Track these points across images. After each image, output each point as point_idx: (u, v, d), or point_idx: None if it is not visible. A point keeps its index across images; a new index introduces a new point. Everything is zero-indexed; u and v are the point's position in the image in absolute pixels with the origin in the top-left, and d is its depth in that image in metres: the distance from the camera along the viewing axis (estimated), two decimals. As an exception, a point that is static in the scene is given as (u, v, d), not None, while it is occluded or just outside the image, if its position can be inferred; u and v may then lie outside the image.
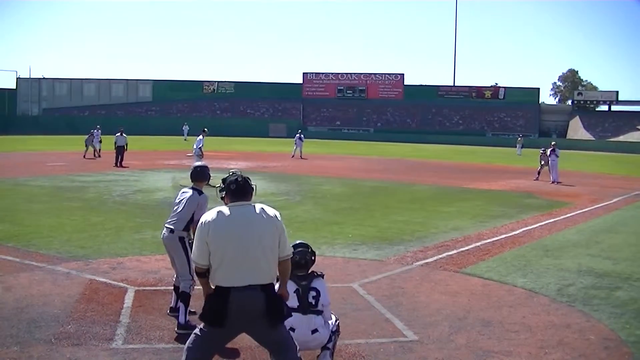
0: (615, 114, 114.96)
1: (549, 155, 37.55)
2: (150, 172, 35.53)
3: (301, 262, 8.19)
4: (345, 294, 11.52)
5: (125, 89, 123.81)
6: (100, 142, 47.62)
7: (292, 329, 7.60)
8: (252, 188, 6.77)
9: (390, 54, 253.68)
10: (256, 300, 6.30)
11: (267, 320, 6.36)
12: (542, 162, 38.28)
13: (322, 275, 8.32)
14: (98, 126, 43.52)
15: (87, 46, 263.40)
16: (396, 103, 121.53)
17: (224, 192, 6.73)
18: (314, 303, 8.02)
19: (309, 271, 8.30)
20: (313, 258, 8.43)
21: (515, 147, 73.81)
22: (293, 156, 53.35)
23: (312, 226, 18.75)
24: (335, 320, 8.31)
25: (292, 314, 7.50)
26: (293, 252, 7.85)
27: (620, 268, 14.39)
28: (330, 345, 8.11)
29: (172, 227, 9.69)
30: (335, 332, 8.19)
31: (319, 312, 8.05)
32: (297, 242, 8.41)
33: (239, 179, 6.69)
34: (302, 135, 56.22)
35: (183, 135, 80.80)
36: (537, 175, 37.80)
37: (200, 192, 9.81)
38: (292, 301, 7.80)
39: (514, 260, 14.87)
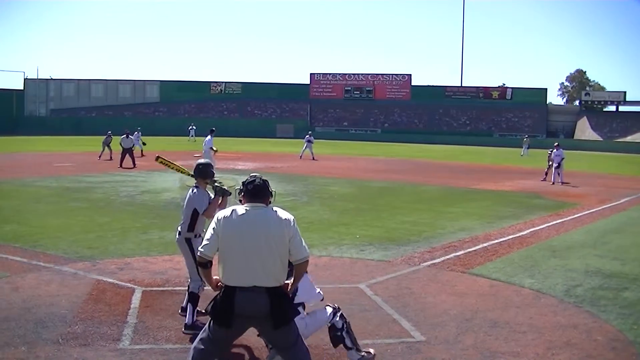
0: (623, 114, 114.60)
1: (554, 155, 37.23)
2: (157, 173, 35.54)
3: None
4: (353, 294, 11.53)
5: (133, 89, 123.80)
6: (144, 144, 48.96)
7: None
8: (270, 192, 6.85)
9: (397, 54, 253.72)
10: (260, 303, 6.34)
11: (271, 323, 6.39)
12: (550, 163, 38.07)
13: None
14: (139, 128, 42.79)
15: (95, 47, 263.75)
16: (403, 103, 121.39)
17: (242, 193, 6.77)
18: None
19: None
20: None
21: (522, 147, 73.38)
22: (301, 157, 53.30)
23: (319, 227, 18.74)
24: (333, 312, 8.24)
25: None
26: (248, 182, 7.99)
27: (628, 268, 14.37)
28: (348, 342, 8.13)
29: (179, 229, 9.84)
30: (342, 329, 8.18)
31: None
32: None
33: (257, 181, 6.75)
34: (311, 137, 56.03)
35: (189, 135, 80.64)
36: (545, 176, 37.66)
37: (196, 188, 9.89)
38: None
39: (521, 260, 14.85)
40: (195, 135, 75.20)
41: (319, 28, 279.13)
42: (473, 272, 13.59)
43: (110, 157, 44.93)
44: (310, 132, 60.30)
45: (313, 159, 52.38)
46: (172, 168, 10.71)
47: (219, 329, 6.48)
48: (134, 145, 41.42)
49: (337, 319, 8.20)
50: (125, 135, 41.39)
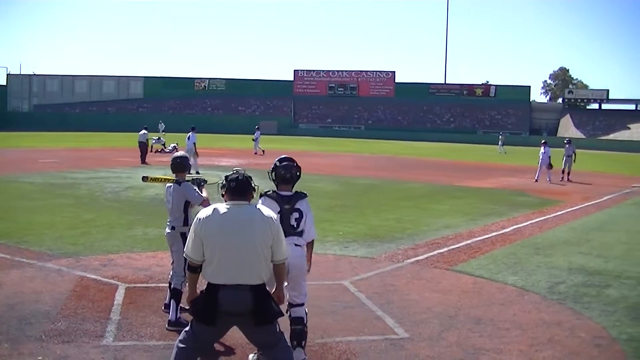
0: (606, 112, 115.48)
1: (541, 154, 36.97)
2: (142, 169, 35.40)
3: (286, 176, 8.21)
4: (336, 291, 11.53)
5: (117, 85, 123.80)
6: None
7: None
8: (253, 188, 6.77)
9: (381, 51, 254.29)
10: (244, 300, 6.30)
11: (253, 320, 6.36)
12: (564, 159, 37.62)
13: (306, 195, 8.31)
14: (193, 126, 41.28)
15: (78, 42, 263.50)
16: (387, 101, 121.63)
17: (224, 189, 6.74)
18: (295, 225, 8.05)
19: (293, 190, 8.31)
20: (298, 174, 8.39)
21: (497, 144, 73.52)
22: (256, 153, 53.48)
23: (303, 223, 18.69)
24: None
25: None
26: (278, 166, 8.10)
27: (611, 266, 14.42)
28: (304, 342, 8.09)
29: (173, 225, 9.79)
30: (306, 324, 8.16)
31: (300, 234, 8.11)
32: (283, 156, 8.49)
33: (240, 177, 6.68)
34: (258, 131, 56.12)
35: (159, 131, 79.82)
36: (567, 176, 37.28)
37: (180, 182, 9.82)
38: None
39: (504, 258, 14.89)
40: (164, 131, 73.45)
41: (303, 25, 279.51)
42: (457, 269, 13.61)
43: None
44: (257, 126, 59.74)
45: (256, 153, 53.24)
46: (161, 181, 10.67)
47: (202, 327, 6.44)
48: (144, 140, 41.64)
49: (305, 312, 8.23)
50: (143, 131, 41.82)
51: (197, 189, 9.82)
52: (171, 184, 9.93)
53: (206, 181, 10.07)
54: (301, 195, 8.24)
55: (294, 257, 7.87)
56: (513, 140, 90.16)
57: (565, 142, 39.17)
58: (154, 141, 50.37)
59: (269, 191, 8.18)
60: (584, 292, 12.11)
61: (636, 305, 11.42)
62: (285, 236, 7.74)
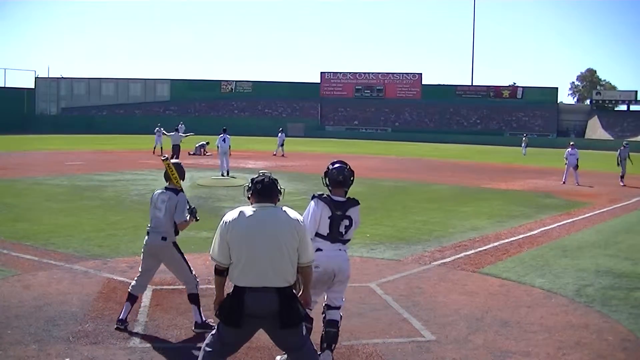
0: (634, 113, 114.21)
1: (568, 154, 36.70)
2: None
3: (339, 179, 8.13)
4: (363, 293, 11.52)
5: (143, 88, 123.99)
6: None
7: (320, 249, 7.68)
8: (279, 190, 6.77)
9: (408, 53, 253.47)
10: (270, 303, 6.31)
11: (279, 323, 6.37)
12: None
13: (358, 203, 8.21)
14: (225, 128, 40.66)
15: (105, 46, 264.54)
16: (414, 102, 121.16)
17: (250, 192, 6.74)
18: (344, 232, 8.01)
19: (347, 195, 8.22)
20: (352, 178, 8.31)
21: (521, 146, 73.07)
22: (275, 154, 54.15)
23: (329, 226, 18.67)
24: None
25: (320, 240, 7.69)
26: (330, 169, 8.06)
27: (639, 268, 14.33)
28: (333, 345, 8.09)
29: (164, 235, 9.41)
30: (339, 326, 8.16)
31: (346, 241, 8.08)
32: (335, 160, 8.43)
33: (266, 180, 6.70)
34: (282, 134, 56.22)
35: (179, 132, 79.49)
36: (622, 179, 36.48)
37: (177, 192, 9.56)
38: (323, 228, 7.87)
39: (532, 260, 14.83)
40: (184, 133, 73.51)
41: (329, 27, 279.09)
42: (483, 272, 13.58)
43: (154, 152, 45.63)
44: (281, 128, 59.76)
45: (275, 154, 54.00)
46: (171, 175, 10.08)
47: (228, 329, 6.45)
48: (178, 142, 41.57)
49: (340, 315, 8.22)
50: (174, 132, 41.92)
51: (188, 212, 9.52)
52: (164, 190, 9.68)
53: (197, 219, 9.76)
54: (353, 203, 8.19)
55: (340, 261, 7.95)
56: (540, 142, 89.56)
57: (623, 144, 38.36)
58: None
59: (322, 194, 8.13)
60: (611, 294, 12.03)
61: (665, 308, 11.34)
62: (331, 242, 7.80)
